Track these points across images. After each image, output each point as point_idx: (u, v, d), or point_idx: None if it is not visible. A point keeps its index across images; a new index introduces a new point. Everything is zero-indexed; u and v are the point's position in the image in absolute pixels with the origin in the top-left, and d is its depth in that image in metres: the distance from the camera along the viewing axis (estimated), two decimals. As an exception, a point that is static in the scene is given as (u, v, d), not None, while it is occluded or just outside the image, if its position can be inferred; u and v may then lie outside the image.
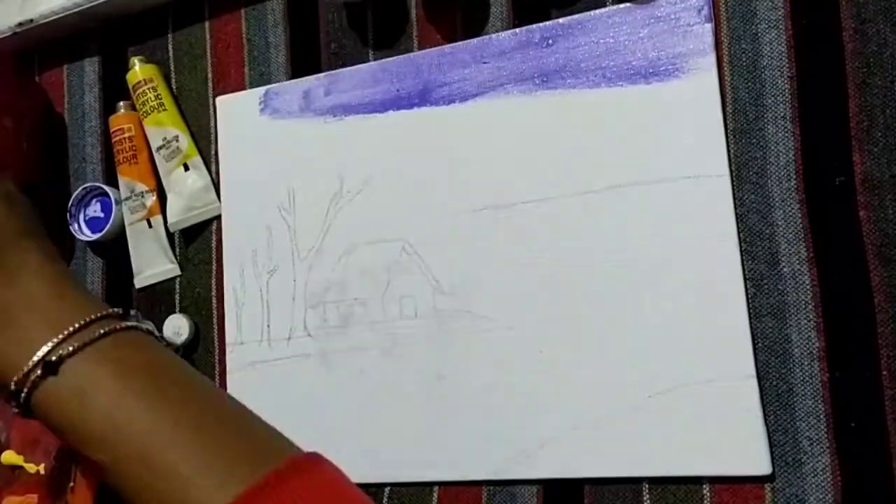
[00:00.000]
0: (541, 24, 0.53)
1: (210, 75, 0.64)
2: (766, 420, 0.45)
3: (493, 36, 0.54)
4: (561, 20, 0.53)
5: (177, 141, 0.62)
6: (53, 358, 0.33)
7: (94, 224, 0.65)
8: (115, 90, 0.67)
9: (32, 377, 0.33)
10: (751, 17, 0.49)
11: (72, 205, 0.65)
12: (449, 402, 0.52)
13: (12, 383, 0.33)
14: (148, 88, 0.63)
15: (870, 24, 0.46)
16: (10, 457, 0.65)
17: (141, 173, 0.63)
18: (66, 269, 0.38)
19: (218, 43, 0.64)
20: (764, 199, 0.47)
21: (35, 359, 0.33)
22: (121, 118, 0.64)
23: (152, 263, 0.63)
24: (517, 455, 0.50)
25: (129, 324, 0.36)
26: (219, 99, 0.62)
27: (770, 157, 0.48)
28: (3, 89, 0.65)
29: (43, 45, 0.70)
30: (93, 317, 0.35)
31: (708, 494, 0.46)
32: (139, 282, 0.63)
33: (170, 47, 0.65)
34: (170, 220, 0.62)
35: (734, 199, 0.47)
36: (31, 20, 0.66)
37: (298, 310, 0.57)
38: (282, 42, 0.62)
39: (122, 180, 0.64)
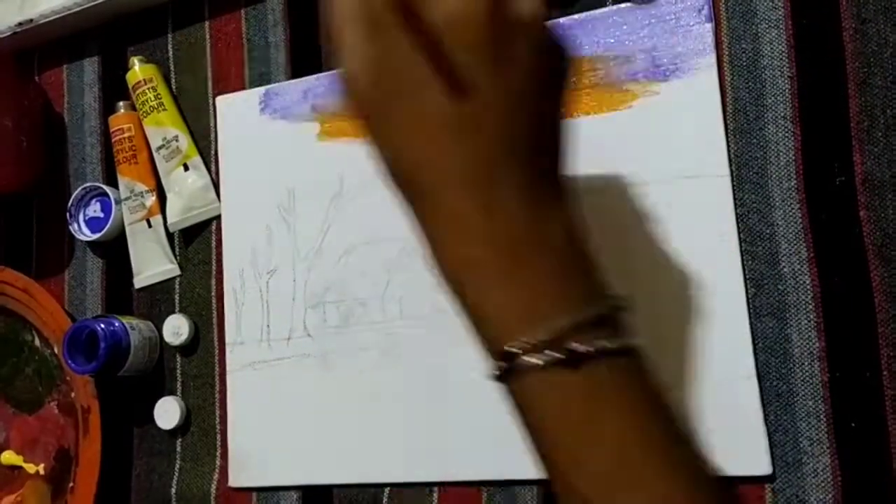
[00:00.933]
0: (541, 24, 0.53)
1: (210, 75, 0.64)
2: (766, 420, 0.45)
3: (493, 36, 0.54)
4: (561, 20, 0.53)
5: (176, 141, 0.62)
6: (582, 349, 0.27)
7: (93, 224, 0.65)
8: (114, 90, 0.67)
9: (544, 357, 0.27)
10: (751, 17, 0.49)
11: (71, 205, 0.65)
12: (449, 402, 0.52)
13: (514, 346, 0.27)
14: (148, 88, 0.63)
15: (870, 23, 0.46)
16: (9, 457, 0.65)
17: (141, 173, 0.63)
18: (587, 225, 0.31)
19: (218, 43, 0.64)
20: (764, 198, 0.47)
21: (551, 333, 0.27)
22: (120, 118, 0.64)
23: (152, 263, 0.63)
24: (517, 455, 0.50)
25: (620, 344, 0.29)
26: (219, 99, 0.62)
27: (770, 157, 0.48)
28: (3, 89, 0.65)
29: (43, 44, 0.70)
30: (616, 305, 0.29)
31: (708, 494, 0.46)
32: (139, 282, 0.63)
33: (170, 47, 0.65)
34: (169, 220, 0.62)
35: (734, 198, 0.47)
36: (31, 20, 0.66)
37: (298, 310, 0.57)
38: (282, 42, 0.61)
39: (121, 180, 0.64)
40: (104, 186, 0.64)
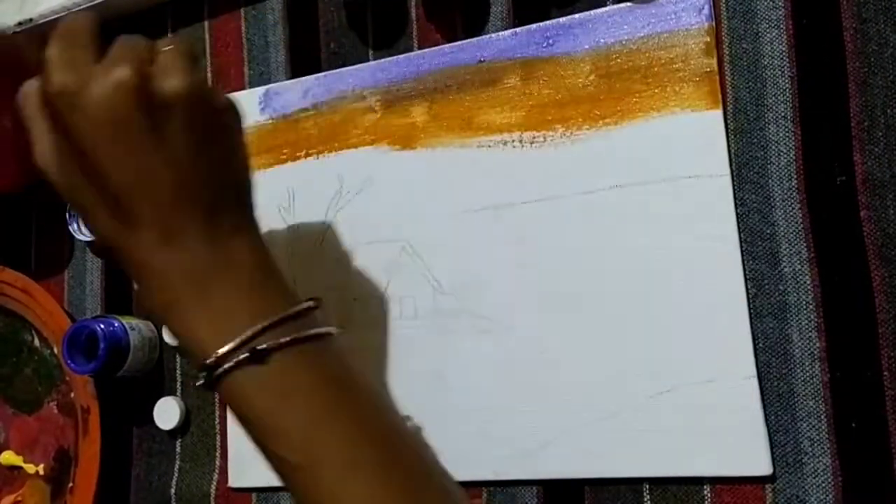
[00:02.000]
0: (541, 24, 0.53)
1: (209, 75, 0.64)
2: (766, 420, 0.45)
3: (493, 36, 0.54)
4: (561, 20, 0.52)
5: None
6: (263, 346, 0.33)
7: (93, 224, 0.65)
8: (114, 90, 0.67)
9: (234, 359, 0.33)
10: (751, 17, 0.49)
11: (71, 205, 0.65)
12: (449, 402, 0.52)
13: (210, 358, 0.33)
14: (147, 88, 0.62)
15: (871, 23, 0.46)
16: (9, 457, 0.65)
17: (140, 173, 0.63)
18: (267, 248, 0.37)
19: (217, 42, 0.64)
20: (765, 198, 0.47)
21: (238, 340, 0.33)
22: (120, 118, 0.64)
23: (152, 263, 0.63)
24: (517, 455, 0.50)
25: (329, 330, 0.35)
26: (218, 98, 0.62)
27: (771, 157, 0.48)
28: (2, 89, 0.65)
29: (42, 44, 0.70)
30: (299, 308, 0.35)
31: (708, 495, 0.46)
32: (139, 282, 0.63)
33: (169, 47, 0.65)
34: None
35: (735, 198, 0.47)
36: (31, 20, 0.66)
37: (298, 310, 0.57)
38: (281, 41, 0.61)
39: (121, 180, 0.64)
40: (104, 186, 0.64)
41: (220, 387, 0.34)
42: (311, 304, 0.35)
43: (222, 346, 0.33)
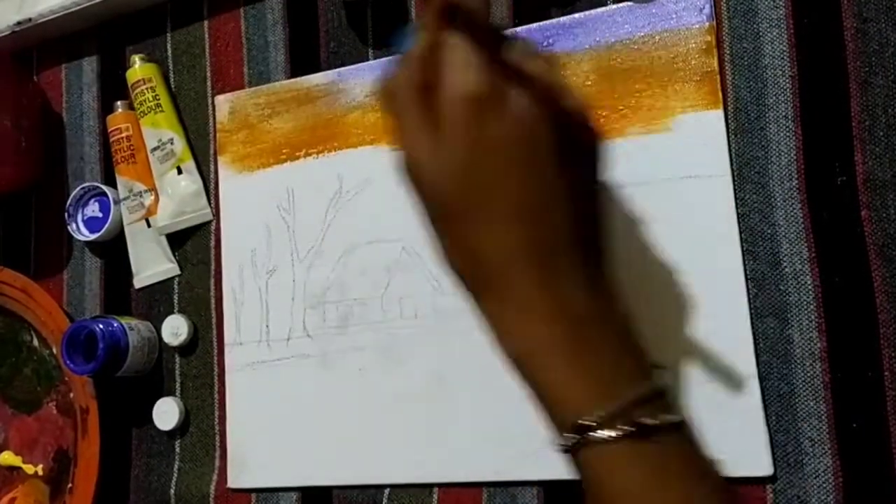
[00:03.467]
0: (541, 24, 0.53)
1: (209, 74, 0.64)
2: (767, 421, 0.45)
3: (494, 35, 0.54)
4: (561, 19, 0.52)
5: (171, 144, 0.62)
6: (649, 421, 0.29)
7: (92, 224, 0.65)
8: (113, 90, 0.67)
9: (616, 428, 0.29)
10: (752, 16, 0.49)
11: (70, 205, 0.64)
12: (449, 402, 0.52)
13: (586, 420, 0.29)
14: (146, 88, 0.62)
15: (871, 23, 0.46)
16: (8, 458, 0.65)
17: (139, 173, 0.63)
18: None
19: (217, 42, 0.64)
20: (765, 198, 0.47)
21: (617, 406, 0.29)
22: (118, 118, 0.64)
23: (151, 263, 0.63)
24: (517, 455, 0.50)
25: (684, 417, 0.31)
26: (218, 98, 0.62)
27: (771, 157, 0.47)
28: (1, 89, 0.65)
29: (41, 44, 0.70)
30: (662, 383, 0.31)
31: (709, 495, 0.46)
32: (138, 282, 0.63)
33: (168, 46, 0.65)
34: (159, 222, 0.62)
35: (735, 198, 0.47)
36: (30, 19, 0.66)
37: (298, 310, 0.57)
38: (281, 41, 0.61)
39: (120, 180, 0.64)
40: (103, 186, 0.64)
41: (584, 453, 0.30)
42: (666, 373, 0.33)
43: (599, 410, 0.29)
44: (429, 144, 0.31)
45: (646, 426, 0.29)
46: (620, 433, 0.29)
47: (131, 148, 0.63)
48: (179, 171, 0.62)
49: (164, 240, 0.63)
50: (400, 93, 0.32)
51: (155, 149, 0.62)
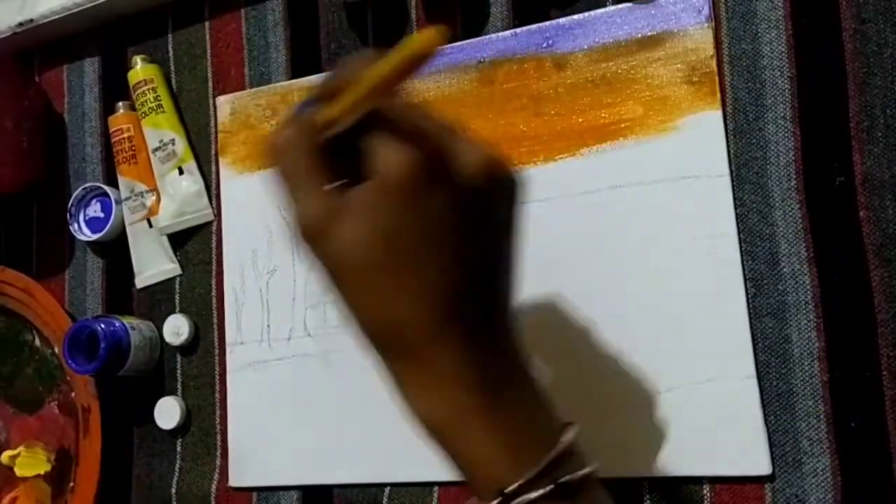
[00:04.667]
0: (541, 24, 0.53)
1: (210, 75, 0.64)
2: (766, 420, 0.45)
3: (493, 36, 0.54)
4: (561, 20, 0.53)
5: (173, 144, 0.62)
6: (566, 479, 0.30)
7: (94, 224, 0.65)
8: (115, 90, 0.67)
9: (539, 490, 0.29)
10: (751, 17, 0.49)
11: (72, 205, 0.65)
12: (449, 402, 0.52)
13: (511, 486, 0.29)
14: (148, 89, 0.63)
15: (870, 23, 0.46)
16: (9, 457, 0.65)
17: (141, 173, 0.63)
18: None
19: (218, 43, 0.64)
20: (764, 199, 0.47)
21: (538, 468, 0.29)
22: (120, 118, 0.64)
23: (153, 263, 0.63)
24: (517, 455, 0.50)
25: (596, 467, 0.32)
26: (219, 99, 0.62)
27: (770, 157, 0.48)
28: (3, 90, 0.65)
29: (43, 45, 0.70)
30: (573, 435, 0.32)
31: (708, 494, 0.46)
32: (140, 282, 0.63)
33: (170, 47, 0.65)
34: (160, 223, 0.62)
35: (734, 199, 0.47)
36: (32, 20, 0.66)
37: (298, 310, 0.57)
38: (282, 42, 0.62)
39: (121, 180, 0.64)
40: (104, 186, 0.64)
41: None
42: (575, 428, 0.32)
43: (521, 475, 0.29)
44: (329, 212, 0.30)
45: (566, 484, 0.30)
46: (543, 492, 0.29)
47: (133, 148, 0.63)
48: (181, 172, 0.62)
49: (165, 240, 0.63)
50: (293, 153, 0.31)
51: (156, 149, 0.62)
